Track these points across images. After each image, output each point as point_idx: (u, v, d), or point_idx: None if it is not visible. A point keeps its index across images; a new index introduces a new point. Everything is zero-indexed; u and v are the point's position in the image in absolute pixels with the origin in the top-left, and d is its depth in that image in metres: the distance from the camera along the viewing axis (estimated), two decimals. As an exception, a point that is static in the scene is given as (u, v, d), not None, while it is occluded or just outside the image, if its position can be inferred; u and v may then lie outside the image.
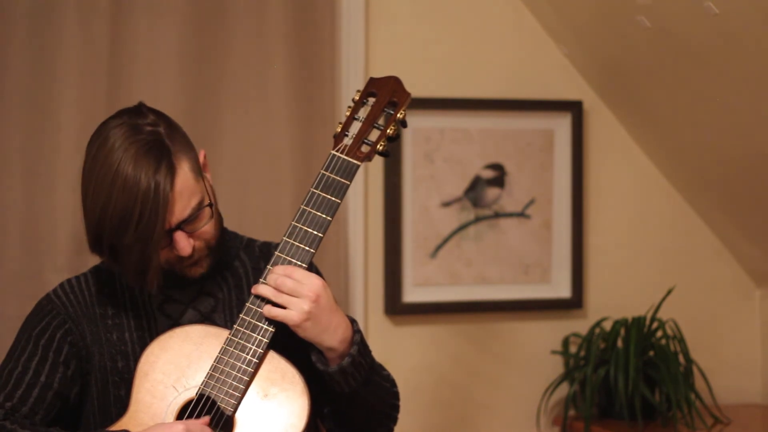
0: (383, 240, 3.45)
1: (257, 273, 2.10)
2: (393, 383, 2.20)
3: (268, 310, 2.02)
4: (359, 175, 3.41)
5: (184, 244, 2.03)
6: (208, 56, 3.24)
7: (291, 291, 2.01)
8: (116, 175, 1.97)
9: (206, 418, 1.99)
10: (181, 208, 2.01)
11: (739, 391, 3.74)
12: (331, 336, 2.03)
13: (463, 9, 3.53)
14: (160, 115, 2.08)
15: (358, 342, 2.06)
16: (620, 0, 3.17)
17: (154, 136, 2.01)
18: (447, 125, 3.49)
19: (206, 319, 2.13)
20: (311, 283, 2.01)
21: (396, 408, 2.21)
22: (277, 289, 2.01)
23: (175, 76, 3.20)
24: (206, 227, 2.07)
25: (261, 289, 2.03)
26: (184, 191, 2.01)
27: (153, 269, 2.01)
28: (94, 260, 3.03)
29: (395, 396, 2.20)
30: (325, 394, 2.11)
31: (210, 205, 2.07)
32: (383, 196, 3.45)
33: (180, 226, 2.02)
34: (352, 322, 2.08)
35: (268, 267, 2.05)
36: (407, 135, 3.44)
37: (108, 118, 2.07)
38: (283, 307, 2.01)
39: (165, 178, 1.98)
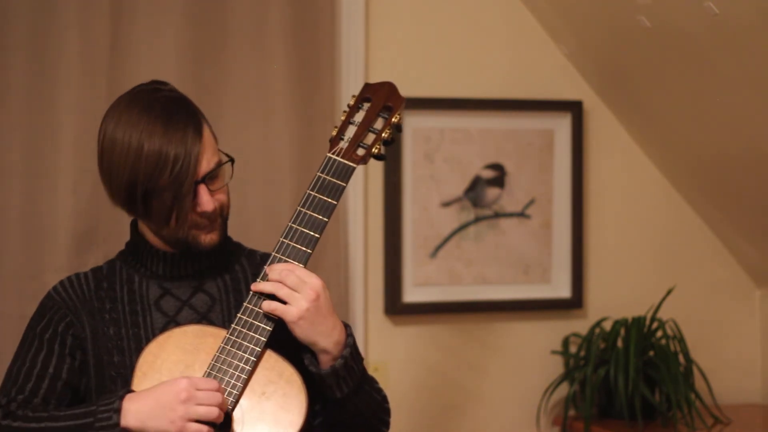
0: (383, 240, 3.45)
1: (256, 279, 2.11)
2: (385, 399, 2.20)
3: (268, 304, 2.03)
4: (359, 176, 3.42)
5: (207, 198, 2.08)
6: (208, 56, 3.25)
7: (293, 285, 2.02)
8: (149, 121, 2.04)
9: (215, 382, 1.99)
10: (206, 161, 2.07)
11: (739, 391, 3.74)
12: (326, 337, 2.03)
13: (463, 9, 3.53)
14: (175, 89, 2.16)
15: (351, 345, 2.07)
16: (620, 0, 3.18)
17: (175, 94, 2.11)
18: (447, 125, 3.49)
19: (203, 318, 2.14)
20: (312, 282, 2.03)
21: (386, 424, 2.20)
22: (281, 282, 2.03)
23: (175, 76, 3.19)
24: (223, 190, 2.12)
25: (262, 285, 2.04)
26: (209, 145, 2.08)
27: (183, 215, 2.06)
28: (94, 261, 3.06)
29: (386, 412, 2.20)
30: (316, 403, 2.11)
31: (231, 160, 2.12)
32: (383, 196, 3.45)
33: (204, 179, 2.07)
34: (346, 327, 2.09)
35: (265, 267, 2.06)
36: (407, 135, 3.44)
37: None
38: (283, 303, 2.02)
39: (195, 125, 2.06)
